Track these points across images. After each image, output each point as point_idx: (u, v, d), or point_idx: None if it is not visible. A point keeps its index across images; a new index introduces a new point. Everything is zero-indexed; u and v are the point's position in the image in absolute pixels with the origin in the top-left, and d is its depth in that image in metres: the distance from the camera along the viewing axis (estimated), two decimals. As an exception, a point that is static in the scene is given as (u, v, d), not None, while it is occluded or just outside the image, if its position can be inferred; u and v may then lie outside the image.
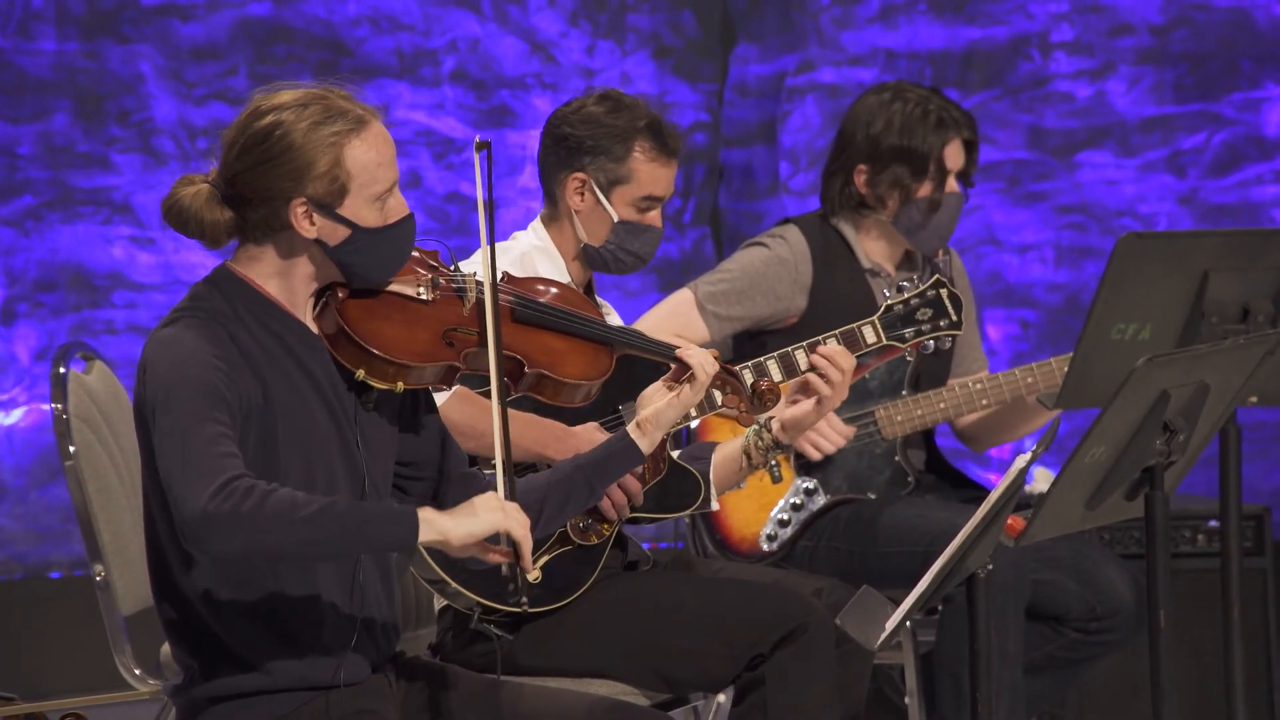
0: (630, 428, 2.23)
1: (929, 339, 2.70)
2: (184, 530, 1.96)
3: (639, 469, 2.55)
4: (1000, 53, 4.66)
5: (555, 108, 2.78)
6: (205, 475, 1.95)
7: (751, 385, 2.34)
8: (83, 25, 4.37)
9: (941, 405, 3.21)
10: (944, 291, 2.70)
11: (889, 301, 2.69)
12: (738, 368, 2.61)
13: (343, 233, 2.08)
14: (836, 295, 3.19)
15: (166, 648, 2.72)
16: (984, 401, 3.20)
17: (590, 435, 2.56)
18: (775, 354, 2.62)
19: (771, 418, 2.50)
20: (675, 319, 3.18)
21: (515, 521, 2.02)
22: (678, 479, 2.63)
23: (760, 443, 2.64)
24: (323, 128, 2.06)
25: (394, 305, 2.14)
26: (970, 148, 3.21)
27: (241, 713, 2.08)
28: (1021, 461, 2.14)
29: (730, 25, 4.91)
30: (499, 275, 2.21)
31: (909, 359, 3.21)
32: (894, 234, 3.23)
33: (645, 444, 2.22)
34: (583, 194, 2.70)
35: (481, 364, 2.15)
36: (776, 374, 2.61)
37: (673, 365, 2.27)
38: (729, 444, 2.68)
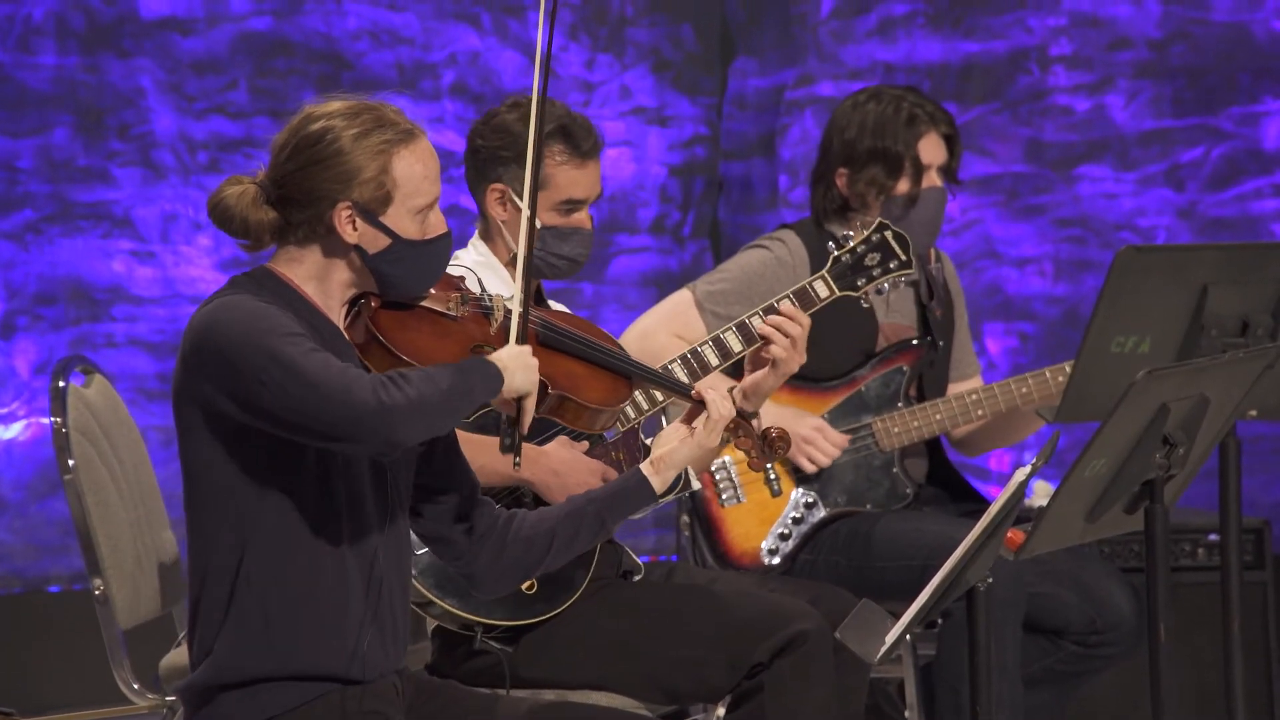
0: (644, 465, 2.27)
1: (883, 282, 2.70)
2: (359, 432, 2.01)
3: (618, 460, 2.57)
4: (999, 66, 4.67)
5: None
6: (354, 379, 2.02)
7: (762, 433, 2.37)
8: (83, 39, 4.38)
9: (938, 417, 3.21)
10: (889, 234, 2.71)
11: (835, 254, 2.69)
12: (698, 345, 2.62)
13: (383, 241, 2.12)
14: (834, 301, 3.19)
15: (165, 661, 2.72)
16: (979, 412, 3.20)
17: (563, 453, 2.55)
18: (733, 324, 2.62)
19: (733, 387, 2.52)
20: (674, 318, 3.18)
21: (535, 384, 2.14)
22: None
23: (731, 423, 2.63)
24: (373, 135, 2.11)
25: (424, 318, 2.17)
26: (951, 142, 3.21)
27: (251, 701, 2.09)
28: (1021, 475, 2.14)
29: (729, 39, 4.92)
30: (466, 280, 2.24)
31: (904, 370, 3.21)
32: None
33: (658, 482, 2.26)
34: (504, 204, 2.69)
35: None
36: (736, 344, 2.61)
37: (688, 404, 2.29)
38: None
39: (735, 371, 2.70)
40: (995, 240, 4.71)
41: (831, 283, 2.67)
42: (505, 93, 4.72)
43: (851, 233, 2.69)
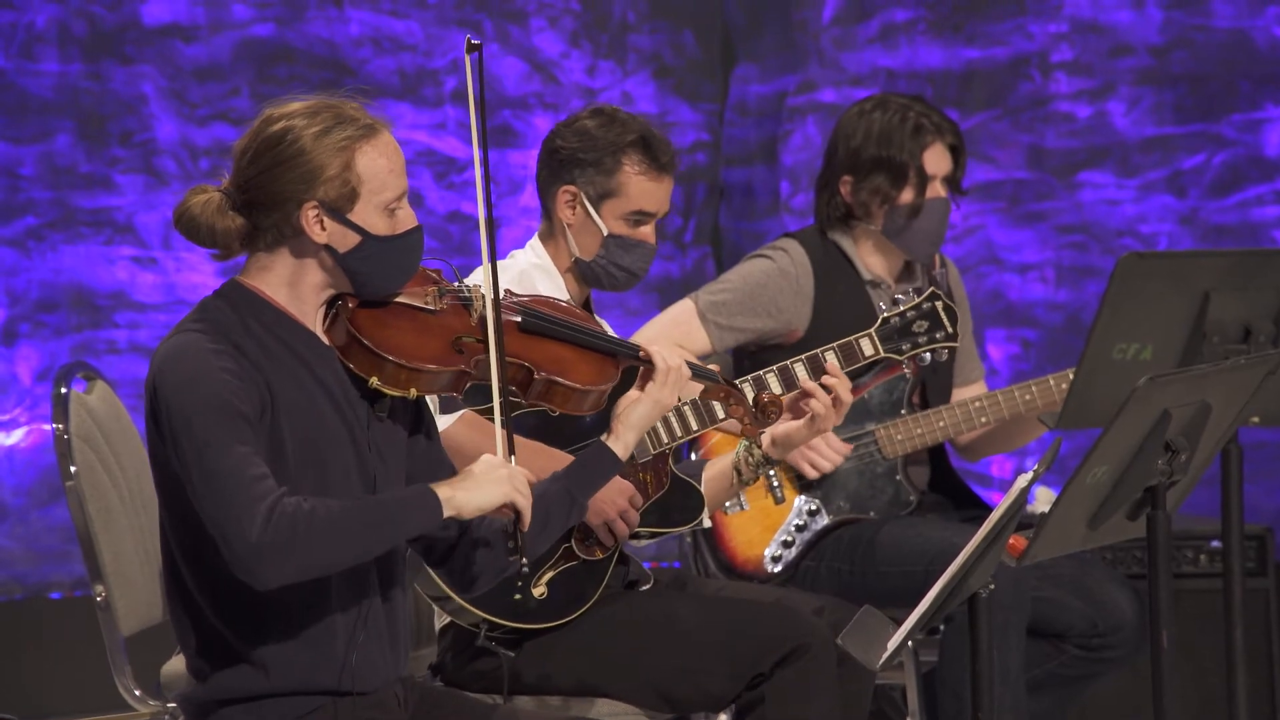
0: (604, 434, 2.25)
1: (926, 351, 2.71)
2: (235, 564, 1.99)
3: (644, 481, 2.56)
4: (1000, 73, 4.67)
5: (543, 127, 2.79)
6: (247, 506, 1.98)
7: (754, 398, 2.35)
8: (85, 46, 4.39)
9: (941, 424, 3.21)
10: (939, 304, 2.71)
11: (885, 315, 2.70)
12: (738, 381, 2.61)
13: (353, 239, 2.10)
14: (838, 308, 3.20)
15: (166, 667, 2.72)
16: (983, 420, 3.20)
17: None
18: (775, 367, 2.62)
19: (751, 435, 2.51)
20: (676, 328, 3.18)
21: (519, 490, 2.07)
22: (681, 494, 2.63)
23: (750, 458, 2.64)
24: (334, 133, 2.09)
25: (403, 314, 2.15)
26: (956, 153, 3.21)
27: (250, 715, 2.09)
28: (1023, 481, 2.14)
29: (730, 45, 4.92)
30: (501, 292, 2.22)
31: (908, 377, 3.22)
32: (889, 245, 3.24)
33: (619, 446, 2.24)
34: (574, 207, 2.70)
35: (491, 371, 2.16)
36: (777, 388, 2.61)
37: (642, 366, 2.29)
38: (719, 460, 2.68)
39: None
40: (997, 246, 4.71)
41: (878, 343, 2.68)
42: (507, 99, 4.73)
43: (903, 297, 2.70)
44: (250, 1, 4.49)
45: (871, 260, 3.26)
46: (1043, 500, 3.62)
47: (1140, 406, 2.13)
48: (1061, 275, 4.67)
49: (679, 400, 2.56)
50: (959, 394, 3.33)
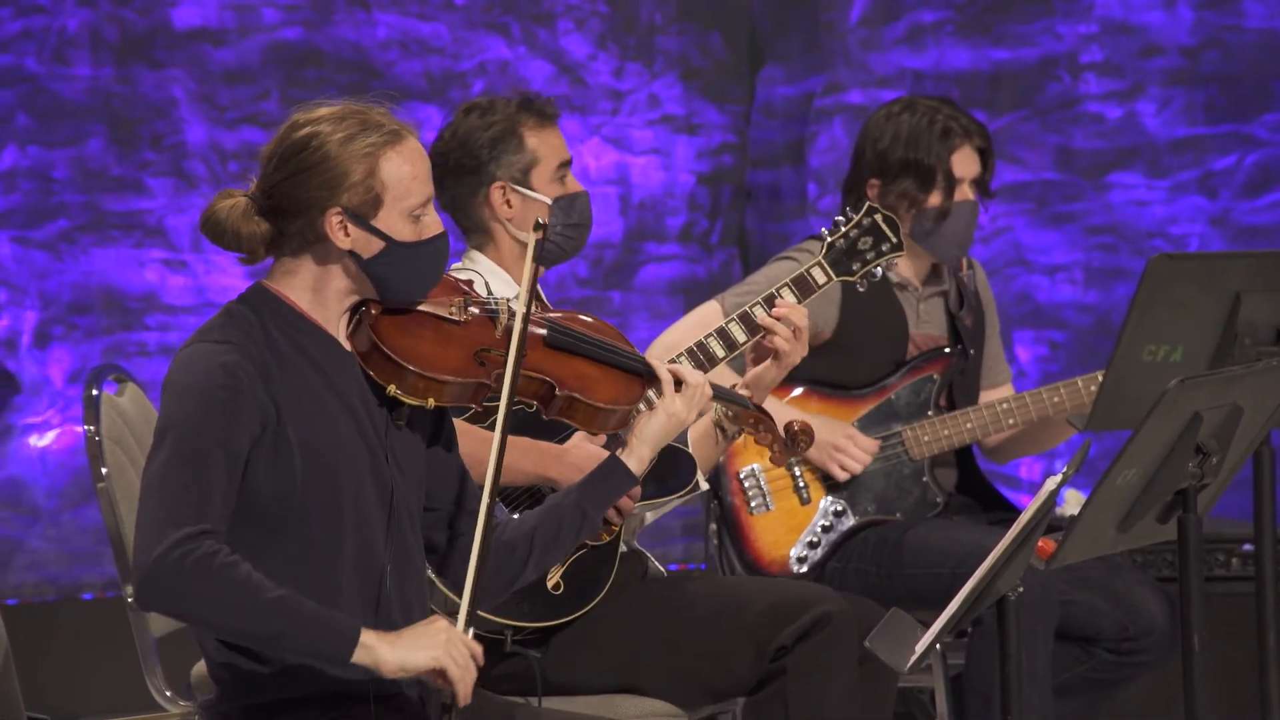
0: (619, 449, 2.24)
1: (875, 266, 2.71)
2: (132, 574, 1.98)
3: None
4: (1028, 74, 4.66)
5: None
6: (163, 525, 1.96)
7: (785, 426, 2.35)
8: (116, 51, 4.42)
9: (968, 425, 3.21)
10: (879, 216, 2.71)
11: (829, 239, 2.70)
12: (704, 337, 2.62)
13: (377, 245, 2.10)
14: (865, 311, 3.19)
15: (197, 668, 2.73)
16: (1010, 421, 3.20)
17: (585, 448, 2.55)
18: (735, 315, 2.63)
19: (735, 385, 2.51)
20: (702, 330, 3.18)
21: (454, 658, 1.99)
22: (672, 460, 2.62)
23: (729, 414, 2.64)
24: (358, 139, 2.09)
25: (427, 324, 2.15)
26: (984, 155, 3.20)
27: None
28: (1052, 483, 2.13)
29: (757, 47, 4.92)
30: (529, 306, 2.22)
31: (935, 379, 3.21)
32: (917, 248, 3.23)
33: (633, 461, 2.22)
34: (507, 200, 2.70)
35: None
36: (740, 335, 2.62)
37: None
38: (700, 421, 2.68)
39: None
40: (1025, 248, 4.70)
41: (828, 268, 2.68)
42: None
43: (842, 218, 2.70)
44: (279, 5, 4.52)
45: (899, 263, 3.25)
46: (1072, 502, 3.61)
47: (1171, 409, 2.12)
48: (1091, 277, 4.65)
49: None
50: (987, 396, 3.32)
